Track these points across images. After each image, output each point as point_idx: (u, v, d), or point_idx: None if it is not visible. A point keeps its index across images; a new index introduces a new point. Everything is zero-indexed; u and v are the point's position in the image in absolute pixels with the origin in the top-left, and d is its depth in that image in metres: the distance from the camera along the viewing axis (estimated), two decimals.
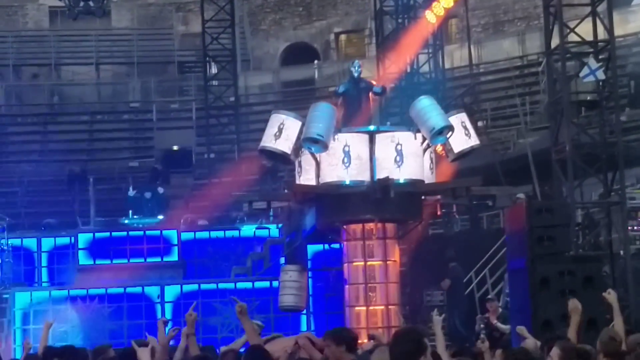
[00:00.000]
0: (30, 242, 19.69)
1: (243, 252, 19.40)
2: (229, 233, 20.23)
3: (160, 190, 22.36)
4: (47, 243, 19.76)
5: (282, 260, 17.67)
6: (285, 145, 13.80)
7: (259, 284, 17.77)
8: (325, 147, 13.35)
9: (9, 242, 18.59)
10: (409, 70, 23.21)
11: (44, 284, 19.38)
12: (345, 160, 13.50)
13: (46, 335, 9.34)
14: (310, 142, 13.37)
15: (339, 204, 13.53)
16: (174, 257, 18.99)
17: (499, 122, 26.32)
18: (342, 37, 34.10)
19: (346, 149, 13.52)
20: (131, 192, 22.07)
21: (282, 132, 13.76)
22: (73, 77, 32.73)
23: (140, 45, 32.74)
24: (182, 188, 27.33)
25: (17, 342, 16.49)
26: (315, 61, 32.73)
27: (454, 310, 16.71)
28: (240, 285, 17.71)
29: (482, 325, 14.92)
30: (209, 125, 28.31)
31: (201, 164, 28.49)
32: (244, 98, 30.17)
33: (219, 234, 20.33)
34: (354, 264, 13.88)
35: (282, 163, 15.04)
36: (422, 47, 23.26)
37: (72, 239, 19.14)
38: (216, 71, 29.52)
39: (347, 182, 13.50)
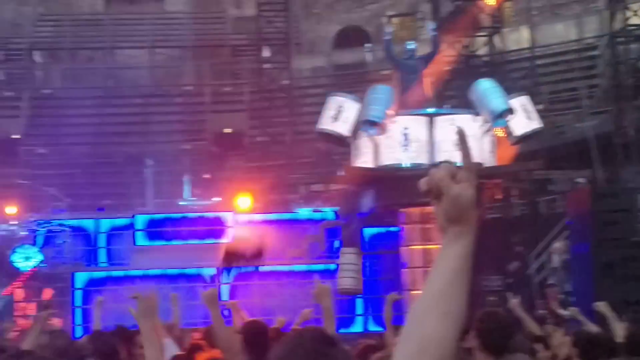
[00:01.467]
0: (88, 223, 19.89)
1: (299, 235, 19.43)
2: (284, 215, 20.29)
3: (212, 173, 22.47)
4: (105, 224, 19.95)
5: (337, 243, 17.70)
6: (343, 127, 13.81)
7: (314, 267, 17.83)
8: (383, 129, 13.32)
9: (68, 223, 18.79)
10: (465, 53, 23.05)
11: (101, 265, 19.59)
12: (404, 142, 13.47)
13: (98, 313, 9.41)
14: (368, 125, 13.36)
15: (397, 187, 13.50)
16: (229, 239, 19.08)
17: (555, 106, 26.08)
18: (395, 20, 33.92)
19: (405, 131, 13.49)
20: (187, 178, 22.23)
21: (339, 114, 13.77)
22: (128, 61, 32.97)
23: (194, 29, 32.87)
24: (236, 171, 27.44)
25: (77, 322, 16.72)
26: (368, 44, 32.62)
27: (516, 294, 16.60)
28: (296, 267, 17.78)
29: (542, 311, 14.83)
30: (262, 108, 28.36)
31: (254, 147, 28.58)
32: (296, 81, 30.17)
33: (274, 216, 20.38)
34: (412, 247, 13.87)
35: (339, 145, 15.05)
36: (478, 29, 23.09)
37: (130, 220, 19.32)
38: (269, 54, 29.55)
39: (406, 165, 13.46)
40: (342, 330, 10.90)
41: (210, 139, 28.82)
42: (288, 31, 28.49)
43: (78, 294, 17.03)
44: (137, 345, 8.77)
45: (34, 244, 17.96)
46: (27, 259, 17.63)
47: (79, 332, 15.99)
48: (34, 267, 17.47)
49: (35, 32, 33.09)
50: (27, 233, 18.15)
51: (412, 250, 13.80)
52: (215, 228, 18.94)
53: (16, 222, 17.95)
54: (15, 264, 17.61)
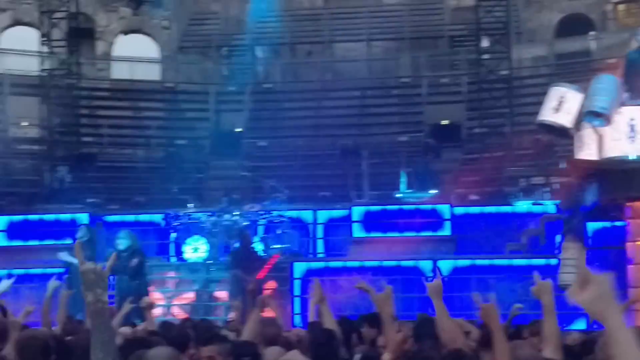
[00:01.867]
0: (306, 215, 20.21)
1: (517, 228, 18.99)
2: (503, 209, 19.89)
3: (428, 165, 22.29)
4: (323, 215, 20.21)
5: (559, 237, 17.14)
6: (565, 118, 13.34)
7: (534, 261, 17.35)
8: (608, 120, 12.77)
9: (287, 214, 19.15)
10: None
11: (319, 255, 19.85)
12: (631, 134, 12.86)
13: (314, 305, 9.29)
14: (593, 116, 12.84)
15: (623, 180, 12.92)
16: (446, 231, 18.90)
17: None
18: (620, 6, 32.61)
19: (632, 122, 12.88)
20: (404, 170, 22.16)
21: (562, 105, 13.31)
22: (345, 54, 33.30)
23: (411, 21, 32.78)
24: (452, 162, 27.17)
25: (296, 311, 17.00)
26: (592, 32, 31.51)
27: None
28: (515, 262, 17.36)
29: None
30: (480, 99, 27.93)
31: (471, 139, 28.20)
32: (516, 71, 29.52)
33: (492, 209, 20.01)
34: (639, 243, 13.23)
35: (561, 137, 14.58)
36: None
37: (347, 211, 19.47)
38: (488, 44, 29.05)
39: (632, 157, 12.85)
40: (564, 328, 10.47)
41: (427, 130, 28.67)
42: (508, 20, 27.90)
43: (297, 284, 17.30)
44: (367, 338, 8.73)
45: (255, 234, 18.40)
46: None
47: (297, 320, 16.24)
48: (275, 254, 17.92)
49: (257, 28, 33.97)
50: (248, 223, 18.60)
51: (638, 246, 13.17)
52: (432, 221, 18.80)
53: (238, 213, 18.44)
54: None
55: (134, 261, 15.50)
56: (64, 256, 15.98)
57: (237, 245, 17.19)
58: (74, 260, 15.81)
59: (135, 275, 15.52)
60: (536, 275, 6.00)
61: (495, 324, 5.70)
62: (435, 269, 16.98)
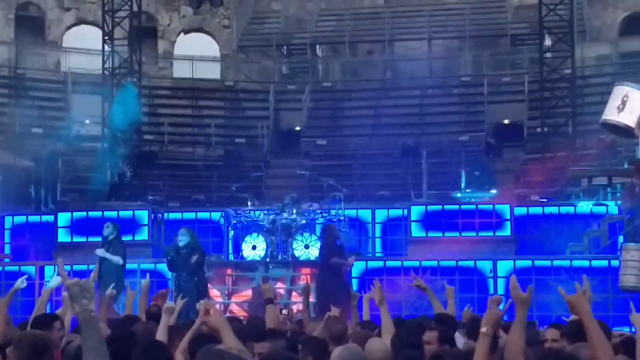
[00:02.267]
0: (364, 214, 20.14)
1: (579, 229, 18.73)
2: (564, 209, 19.61)
3: (489, 165, 22.06)
4: (381, 214, 20.13)
5: (621, 238, 16.88)
6: (629, 118, 13.09)
7: (596, 263, 17.11)
8: None
9: (346, 213, 19.09)
10: None
11: (377, 254, 19.77)
12: None
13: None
14: None
15: None
16: (506, 232, 18.69)
17: None
18: None
19: None
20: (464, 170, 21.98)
21: (625, 104, 13.06)
22: (406, 53, 33.15)
23: (473, 19, 32.52)
24: (513, 162, 26.92)
25: None
26: None
27: None
28: (576, 263, 17.13)
29: None
30: (543, 99, 27.60)
31: (533, 138, 27.90)
32: (579, 70, 29.13)
33: (553, 209, 19.75)
34: None
35: (625, 137, 14.29)
36: None
37: (405, 211, 19.35)
38: (551, 43, 28.70)
39: None
40: (616, 329, 10.29)
41: (488, 130, 28.43)
42: (571, 19, 27.53)
43: (355, 283, 17.24)
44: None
45: (313, 233, 18.37)
46: (306, 247, 18.06)
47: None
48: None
49: (317, 27, 33.99)
50: (306, 222, 18.59)
51: None
52: (492, 221, 18.61)
53: (295, 211, 18.44)
54: (294, 252, 18.08)
55: (194, 258, 15.60)
56: (101, 252, 16.09)
57: (322, 239, 16.95)
58: (112, 257, 15.95)
59: (195, 272, 15.62)
60: (584, 278, 5.88)
61: (587, 313, 5.37)
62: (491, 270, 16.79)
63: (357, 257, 17.07)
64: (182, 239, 15.71)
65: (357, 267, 17.57)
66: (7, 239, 19.72)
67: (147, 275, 11.71)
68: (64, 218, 19.49)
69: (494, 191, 20.03)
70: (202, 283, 15.87)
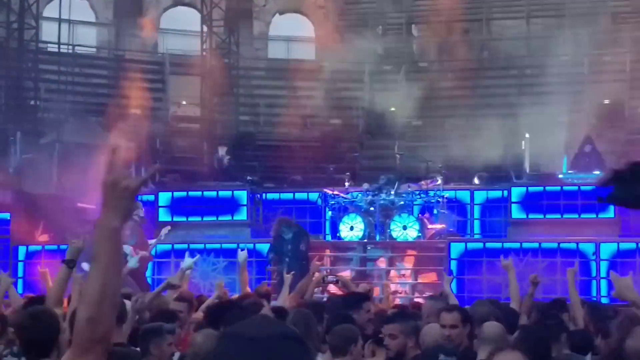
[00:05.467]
0: (463, 195, 19.98)
1: None
2: None
3: (587, 148, 21.62)
4: (480, 196, 19.94)
5: None
6: None
7: None
8: None
9: (444, 194, 18.95)
10: None
11: (475, 236, 19.60)
12: None
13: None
14: None
15: None
16: (609, 213, 18.33)
17: None
18: None
19: None
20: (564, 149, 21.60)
21: None
22: (503, 31, 32.67)
23: None
24: (614, 143, 26.32)
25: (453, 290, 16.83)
26: None
27: None
28: None
29: None
30: None
31: (635, 119, 27.24)
32: None
33: None
34: None
35: None
36: None
37: (505, 192, 19.12)
38: None
39: None
40: None
41: (588, 110, 27.86)
42: None
43: (453, 264, 17.13)
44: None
45: (411, 214, 18.30)
46: (404, 228, 17.99)
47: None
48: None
49: (413, 7, 33.71)
50: (404, 203, 18.50)
51: None
52: (594, 202, 18.24)
53: (393, 192, 18.37)
54: (391, 232, 18.03)
55: (302, 245, 15.87)
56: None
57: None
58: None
59: (304, 258, 15.86)
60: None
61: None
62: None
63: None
64: (285, 231, 16.00)
65: (456, 249, 17.44)
66: None
67: (245, 249, 11.89)
68: (164, 197, 19.78)
69: (597, 172, 19.63)
70: (306, 266, 16.07)
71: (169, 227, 16.52)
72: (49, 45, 29.15)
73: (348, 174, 21.55)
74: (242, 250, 11.76)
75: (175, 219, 19.35)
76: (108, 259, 3.03)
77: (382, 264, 18.14)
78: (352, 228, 18.31)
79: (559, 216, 18.29)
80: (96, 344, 3.00)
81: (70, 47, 29.73)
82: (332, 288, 14.26)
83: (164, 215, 19.55)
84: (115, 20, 32.36)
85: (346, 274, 17.63)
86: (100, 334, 3.00)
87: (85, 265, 16.14)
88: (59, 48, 28.73)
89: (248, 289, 10.80)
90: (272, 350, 2.38)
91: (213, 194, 19.50)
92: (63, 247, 18.34)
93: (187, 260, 10.58)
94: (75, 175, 21.75)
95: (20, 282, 18.12)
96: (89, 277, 3.03)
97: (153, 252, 16.87)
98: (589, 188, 18.63)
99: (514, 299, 9.19)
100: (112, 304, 3.02)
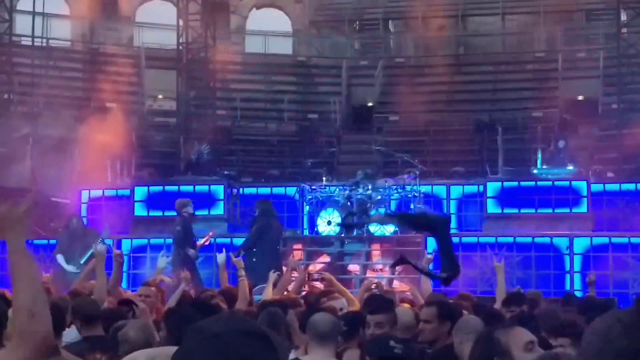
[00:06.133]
0: (439, 190, 20.09)
1: None
2: None
3: (561, 143, 21.78)
4: (456, 191, 20.06)
5: None
6: None
7: None
8: None
9: (420, 189, 19.05)
10: None
11: (452, 230, 19.69)
12: None
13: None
14: None
15: None
16: (583, 208, 18.51)
17: None
18: None
19: None
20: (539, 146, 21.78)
21: None
22: (479, 28, 32.83)
23: None
24: (588, 139, 26.54)
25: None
26: None
27: None
28: None
29: None
30: (619, 74, 27.15)
31: (608, 114, 27.49)
32: None
33: (630, 186, 19.53)
34: None
35: None
36: None
37: (481, 187, 19.25)
38: (627, 18, 28.19)
39: None
40: None
41: (562, 106, 28.07)
42: None
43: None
44: None
45: (388, 209, 18.38)
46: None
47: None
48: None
49: (390, 2, 33.81)
50: (381, 197, 18.58)
51: None
52: (568, 197, 18.44)
53: (371, 187, 18.44)
54: (369, 227, 18.10)
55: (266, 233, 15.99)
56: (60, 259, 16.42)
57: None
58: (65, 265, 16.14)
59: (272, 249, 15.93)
60: None
61: None
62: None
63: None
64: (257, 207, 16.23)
65: (432, 244, 17.53)
66: (83, 212, 20.02)
67: (224, 249, 11.97)
68: (140, 192, 19.75)
69: (570, 168, 19.82)
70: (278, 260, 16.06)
71: (215, 232, 16.94)
72: (23, 38, 28.96)
73: (325, 168, 21.61)
74: (220, 253, 11.77)
75: (152, 213, 19.33)
76: (31, 273, 3.30)
77: (359, 258, 18.21)
78: (329, 222, 18.37)
79: (533, 211, 18.45)
80: (37, 340, 3.18)
81: (45, 40, 29.59)
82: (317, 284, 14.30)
83: (139, 210, 19.53)
84: (90, 14, 32.23)
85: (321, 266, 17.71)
86: (41, 333, 3.19)
87: (60, 258, 16.19)
88: (32, 41, 28.57)
89: (228, 286, 10.94)
90: (236, 347, 2.37)
91: (190, 188, 19.48)
92: (36, 241, 18.35)
93: (221, 256, 11.07)
94: (50, 169, 21.71)
95: None
96: (19, 292, 3.28)
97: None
98: (563, 183, 18.82)
99: (500, 301, 9.29)
100: (45, 310, 3.24)
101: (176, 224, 16.13)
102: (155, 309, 8.30)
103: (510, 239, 17.53)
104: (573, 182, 18.85)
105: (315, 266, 17.62)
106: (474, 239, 17.58)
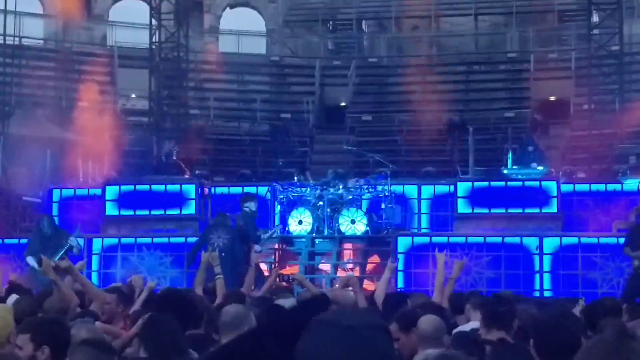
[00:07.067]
0: (411, 190, 20.15)
1: (625, 207, 18.60)
2: (611, 186, 19.49)
3: (530, 148, 21.91)
4: (427, 191, 20.13)
5: None
6: None
7: None
8: None
9: (392, 189, 19.10)
10: None
11: (423, 230, 19.78)
12: None
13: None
14: None
15: None
16: (552, 208, 18.62)
17: None
18: None
19: None
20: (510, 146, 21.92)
21: None
22: (452, 28, 32.98)
23: None
24: (559, 139, 26.73)
25: (399, 285, 17.05)
26: None
27: None
28: (623, 240, 17.02)
29: None
30: (590, 75, 27.34)
31: (580, 115, 27.67)
32: (627, 47, 28.79)
33: (600, 187, 19.64)
34: None
35: None
36: None
37: (452, 187, 19.33)
38: (599, 19, 28.38)
39: None
40: None
41: (534, 106, 28.26)
42: None
43: (401, 258, 17.29)
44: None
45: (359, 208, 18.43)
46: (352, 222, 18.12)
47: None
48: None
49: (363, 2, 33.90)
50: (352, 197, 18.63)
51: None
52: (538, 197, 18.54)
53: (342, 187, 18.48)
54: (340, 227, 18.15)
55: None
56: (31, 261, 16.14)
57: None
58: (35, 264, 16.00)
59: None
60: None
61: None
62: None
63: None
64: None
65: (404, 243, 17.62)
66: (55, 211, 19.93)
67: (209, 249, 11.90)
68: (111, 191, 19.69)
69: (541, 168, 19.93)
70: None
71: (280, 225, 16.95)
72: None
73: (295, 168, 21.65)
74: (206, 251, 11.57)
75: (123, 212, 19.28)
76: None
77: (329, 257, 18.27)
78: (300, 222, 18.39)
79: (503, 211, 18.54)
80: None
81: (17, 39, 29.44)
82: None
83: (111, 209, 19.47)
84: (63, 12, 32.09)
85: (295, 268, 17.73)
86: None
87: (30, 260, 16.11)
88: (4, 40, 28.41)
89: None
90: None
91: (161, 187, 19.44)
92: (8, 241, 18.26)
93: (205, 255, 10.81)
94: (21, 168, 21.62)
95: None
96: None
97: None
98: (533, 183, 18.93)
99: (438, 291, 9.36)
100: None
101: (238, 218, 16.34)
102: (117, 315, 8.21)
103: (481, 239, 17.62)
104: (543, 183, 18.95)
105: (287, 267, 17.65)
106: (444, 239, 17.66)
